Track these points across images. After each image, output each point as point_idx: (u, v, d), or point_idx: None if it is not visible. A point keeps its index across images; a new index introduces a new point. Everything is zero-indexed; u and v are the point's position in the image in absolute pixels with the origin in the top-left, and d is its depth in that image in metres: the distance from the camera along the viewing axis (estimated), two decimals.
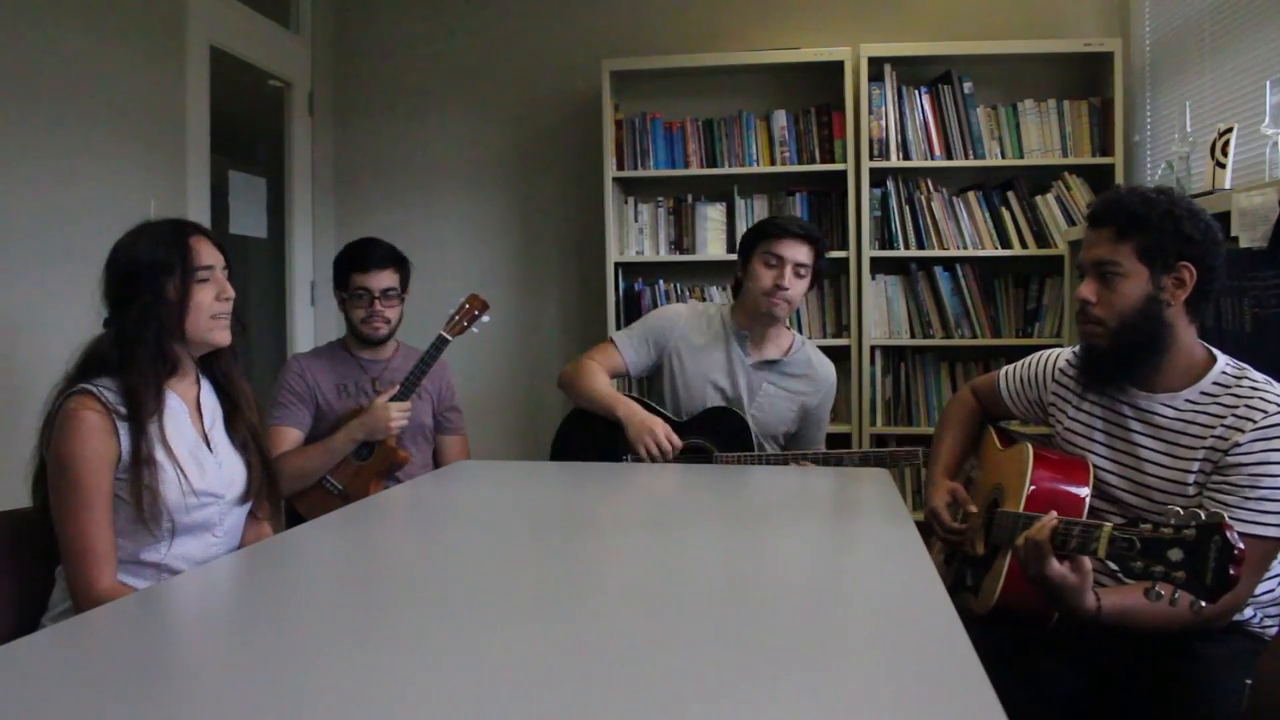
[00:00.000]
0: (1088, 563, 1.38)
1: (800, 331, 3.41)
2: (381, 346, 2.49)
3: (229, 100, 3.25)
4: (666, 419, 2.40)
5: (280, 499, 1.92)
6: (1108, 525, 1.31)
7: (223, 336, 1.63)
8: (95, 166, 2.56)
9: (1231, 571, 1.15)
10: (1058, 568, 1.38)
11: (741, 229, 3.41)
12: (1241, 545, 1.16)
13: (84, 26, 2.52)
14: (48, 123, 2.40)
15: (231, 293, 1.63)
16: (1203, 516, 1.19)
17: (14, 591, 1.53)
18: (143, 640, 1.10)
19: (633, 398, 2.45)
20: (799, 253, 2.36)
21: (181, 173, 2.93)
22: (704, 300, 3.39)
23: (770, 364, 2.44)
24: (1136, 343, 1.57)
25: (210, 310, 1.59)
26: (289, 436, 2.36)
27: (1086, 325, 1.63)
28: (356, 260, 2.43)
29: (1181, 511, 1.22)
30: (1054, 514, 1.43)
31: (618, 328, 3.44)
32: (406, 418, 2.36)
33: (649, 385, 2.57)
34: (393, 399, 2.33)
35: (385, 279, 2.42)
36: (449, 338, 2.40)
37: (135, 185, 2.70)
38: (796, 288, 2.38)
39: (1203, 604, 1.19)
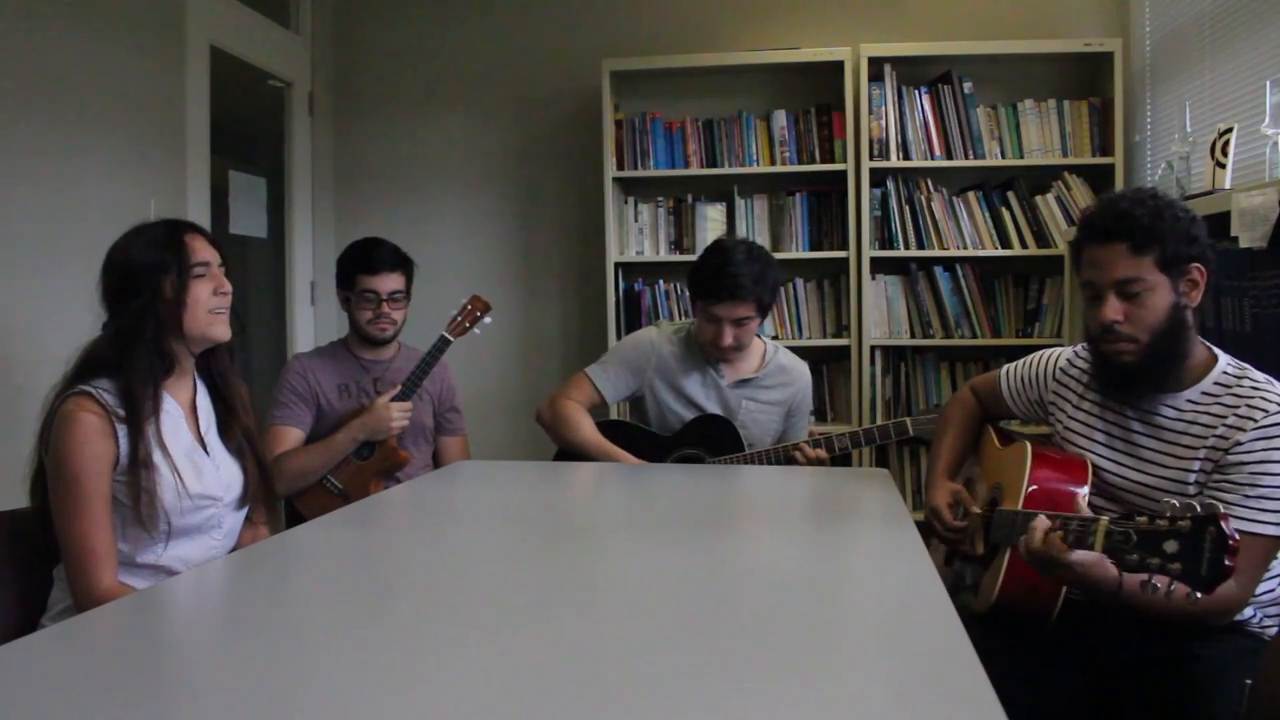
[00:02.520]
0: None
1: (800, 332, 3.42)
2: (384, 347, 2.49)
3: (229, 100, 3.25)
4: (654, 435, 2.41)
5: (277, 503, 1.92)
6: (1104, 519, 1.31)
7: (222, 331, 1.63)
8: (95, 166, 2.56)
9: (1227, 562, 1.15)
10: (1078, 555, 1.36)
11: (742, 229, 3.42)
12: (1236, 536, 1.16)
13: (84, 26, 2.52)
14: (48, 123, 2.40)
15: (228, 287, 1.63)
16: (1198, 508, 1.19)
17: (14, 591, 1.53)
18: (143, 640, 1.10)
19: (618, 421, 2.45)
20: (735, 311, 2.28)
21: (181, 173, 2.93)
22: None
23: (746, 382, 2.42)
24: (1167, 353, 1.55)
25: (208, 305, 1.59)
26: (290, 436, 2.36)
27: (1117, 344, 1.57)
28: (363, 262, 2.42)
29: (1177, 504, 1.22)
30: (1042, 516, 1.42)
31: (618, 327, 3.44)
32: (407, 418, 2.36)
33: (632, 405, 2.55)
34: (394, 399, 2.33)
35: (392, 281, 2.42)
36: (451, 338, 2.40)
37: (135, 185, 2.70)
38: (741, 337, 2.32)
39: (1198, 596, 1.19)
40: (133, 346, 1.53)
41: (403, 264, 2.46)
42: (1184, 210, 1.55)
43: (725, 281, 2.25)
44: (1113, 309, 1.55)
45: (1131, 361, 1.57)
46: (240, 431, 1.70)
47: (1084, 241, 1.61)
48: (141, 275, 1.54)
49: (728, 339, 2.29)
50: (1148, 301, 1.54)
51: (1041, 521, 1.40)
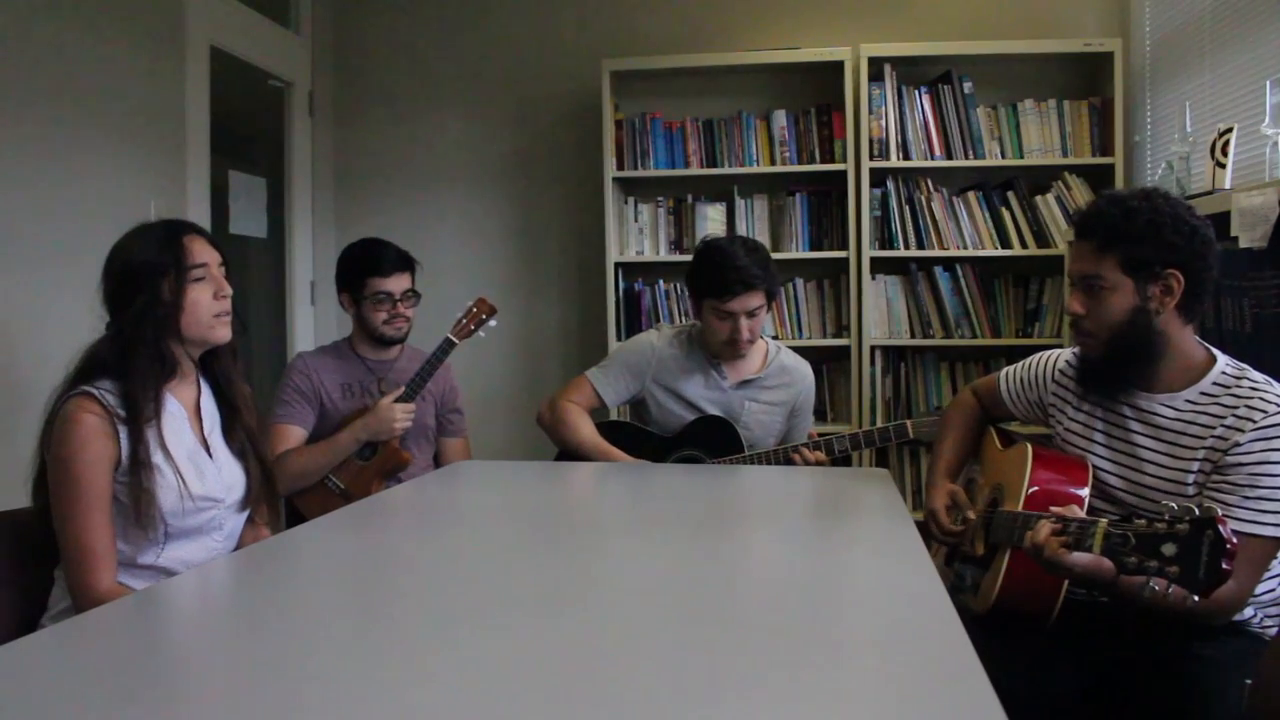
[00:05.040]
0: None
1: (800, 332, 3.43)
2: (389, 347, 2.49)
3: (229, 100, 3.25)
4: (654, 436, 2.41)
5: (279, 504, 1.92)
6: (1103, 521, 1.31)
7: (223, 334, 1.63)
8: (95, 166, 2.56)
9: (1224, 566, 1.15)
10: (1082, 558, 1.37)
11: (742, 229, 3.41)
12: (1235, 540, 1.16)
13: (84, 26, 2.52)
14: (48, 123, 2.40)
15: (229, 290, 1.62)
16: (1196, 511, 1.19)
17: (14, 591, 1.53)
18: (143, 640, 1.10)
19: (618, 422, 2.45)
20: (748, 302, 2.27)
21: (181, 173, 2.93)
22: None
23: (749, 383, 2.42)
24: (1128, 352, 1.57)
25: (210, 309, 1.59)
26: (293, 435, 2.36)
27: (1079, 337, 1.65)
28: (373, 264, 2.41)
29: (1176, 507, 1.22)
30: (1044, 523, 1.42)
31: (618, 328, 3.44)
32: (411, 419, 2.36)
33: (633, 406, 2.55)
34: (397, 400, 2.33)
35: (404, 281, 2.44)
36: (455, 341, 2.40)
37: (135, 185, 2.70)
38: (754, 328, 2.32)
39: (1195, 599, 1.19)
40: (133, 348, 1.53)
41: (409, 263, 2.47)
42: (1174, 216, 1.52)
43: (734, 275, 2.26)
44: (1076, 302, 1.61)
45: (1091, 356, 1.65)
46: (243, 432, 1.70)
47: (1073, 234, 1.66)
48: (139, 277, 1.54)
49: (745, 332, 2.30)
50: (1106, 300, 1.56)
51: (1044, 525, 1.41)
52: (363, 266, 2.43)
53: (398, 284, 2.42)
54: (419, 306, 2.52)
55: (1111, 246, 1.54)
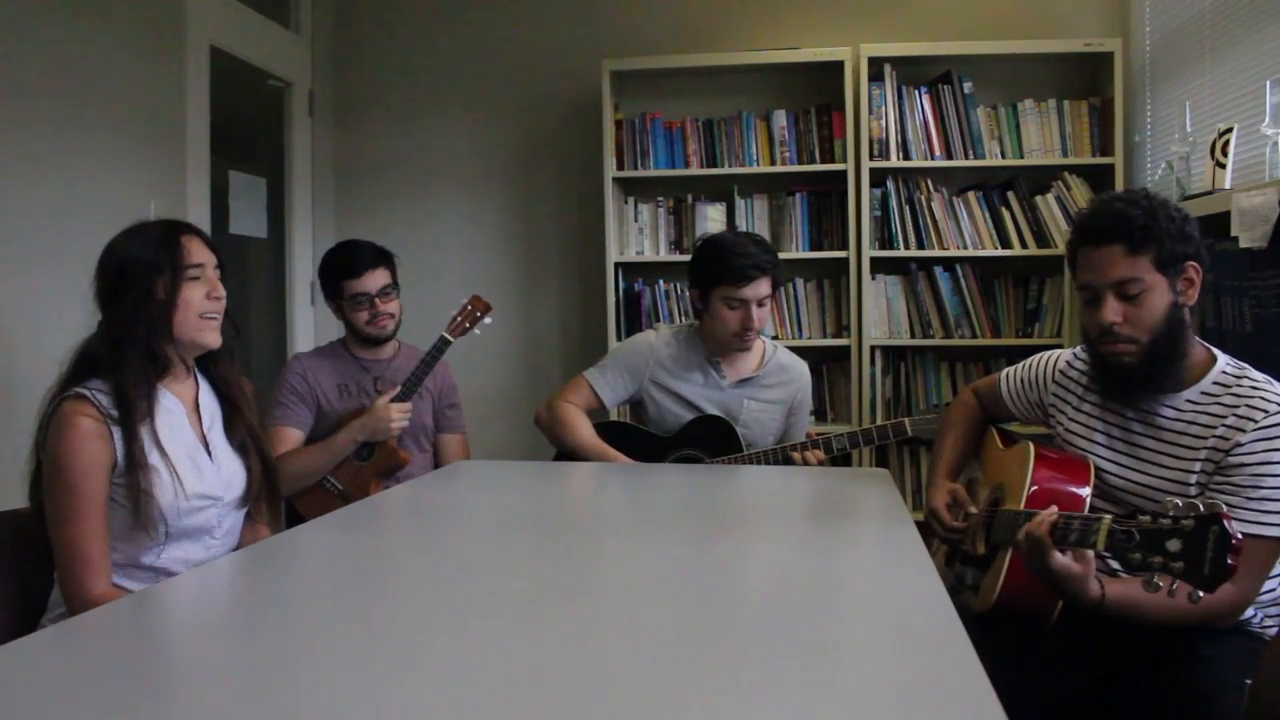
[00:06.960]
0: (1090, 553, 1.38)
1: (800, 332, 3.43)
2: (383, 346, 2.49)
3: (229, 100, 3.25)
4: (653, 436, 2.41)
5: (281, 502, 1.92)
6: (1106, 518, 1.31)
7: (212, 338, 1.61)
8: (95, 166, 2.56)
9: (1230, 561, 1.15)
10: (1060, 559, 1.38)
11: (742, 229, 3.41)
12: (1240, 535, 1.16)
13: (84, 27, 2.52)
14: (48, 123, 2.40)
15: (222, 292, 1.61)
16: (1200, 508, 1.19)
17: (14, 592, 1.53)
18: (141, 641, 1.10)
19: (617, 422, 2.47)
20: (760, 289, 2.31)
21: (181, 173, 2.93)
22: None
23: (747, 381, 2.43)
24: (1166, 353, 1.56)
25: (200, 309, 1.57)
26: (290, 437, 2.36)
27: (1116, 346, 1.58)
28: (344, 267, 2.41)
29: (1180, 503, 1.22)
30: (1054, 508, 1.43)
31: (618, 327, 3.44)
32: (408, 418, 2.36)
33: (632, 406, 2.55)
34: (394, 400, 2.33)
35: (379, 278, 2.42)
36: (451, 339, 2.40)
37: (135, 185, 2.70)
38: (762, 318, 2.35)
39: (1200, 594, 1.19)
40: (125, 346, 1.52)
41: (384, 258, 2.45)
42: (1177, 210, 1.56)
43: (748, 261, 2.29)
44: (1111, 310, 1.55)
45: (1132, 363, 1.58)
46: (244, 428, 1.69)
47: (1079, 244, 1.61)
48: (134, 274, 1.53)
49: (756, 321, 2.32)
50: (1146, 302, 1.54)
51: (1050, 513, 1.41)
52: (337, 271, 2.42)
53: (373, 282, 2.41)
54: (419, 306, 2.51)
55: (1144, 246, 1.53)
